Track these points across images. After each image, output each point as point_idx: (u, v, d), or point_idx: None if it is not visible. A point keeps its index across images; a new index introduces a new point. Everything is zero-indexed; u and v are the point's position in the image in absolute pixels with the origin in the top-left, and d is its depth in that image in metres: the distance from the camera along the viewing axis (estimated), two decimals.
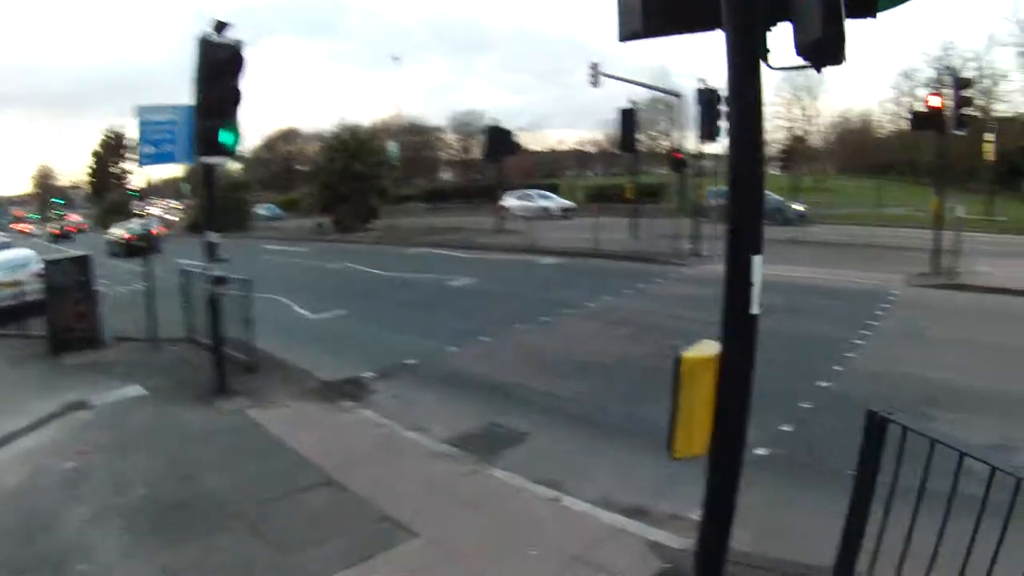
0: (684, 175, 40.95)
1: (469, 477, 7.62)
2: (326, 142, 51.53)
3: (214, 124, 9.76)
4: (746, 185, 4.14)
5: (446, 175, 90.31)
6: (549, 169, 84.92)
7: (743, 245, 4.28)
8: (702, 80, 25.77)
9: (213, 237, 10.45)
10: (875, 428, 4.18)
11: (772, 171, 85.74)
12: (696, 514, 6.84)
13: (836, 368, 11.50)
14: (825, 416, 9.50)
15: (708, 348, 4.48)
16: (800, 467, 8.07)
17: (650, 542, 6.40)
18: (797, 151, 73.19)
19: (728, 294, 4.37)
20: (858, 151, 79.11)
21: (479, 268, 23.89)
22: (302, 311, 17.05)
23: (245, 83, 9.78)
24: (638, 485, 7.54)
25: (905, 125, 77.11)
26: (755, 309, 4.32)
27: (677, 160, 37.32)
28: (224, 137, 9.85)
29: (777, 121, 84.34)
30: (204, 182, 11.34)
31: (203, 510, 6.99)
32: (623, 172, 73.44)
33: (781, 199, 39.44)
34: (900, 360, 12.19)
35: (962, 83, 21.89)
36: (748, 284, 4.27)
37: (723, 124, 25.43)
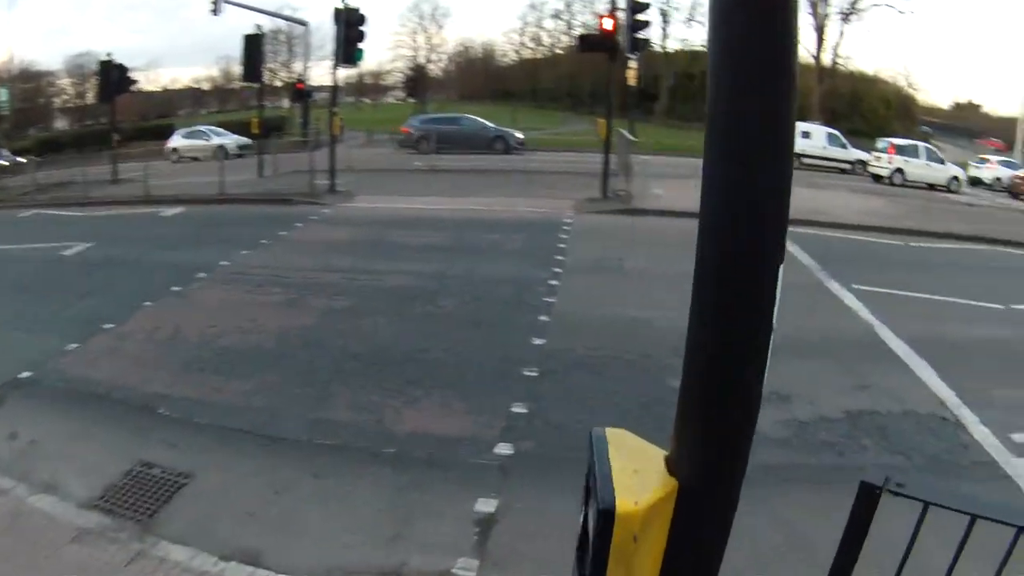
0: (308, 106, 38.62)
1: (136, 566, 5.17)
2: None
3: None
4: (763, 131, 1.73)
5: (61, 124, 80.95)
6: (164, 109, 79.09)
7: (754, 248, 1.81)
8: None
9: None
10: (868, 500, 2.33)
11: (393, 100, 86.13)
12: (465, 566, 5.09)
13: (543, 319, 10.32)
14: (558, 384, 8.20)
15: (642, 466, 2.13)
16: (559, 465, 6.45)
17: None
18: (421, 78, 72.98)
19: (699, 349, 1.97)
20: (480, 78, 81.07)
21: (96, 228, 20.15)
22: None
23: None
24: (365, 531, 5.54)
25: (529, 53, 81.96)
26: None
27: (300, 91, 35.14)
28: None
29: (401, 50, 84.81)
30: None
31: None
32: (239, 108, 70.08)
33: (495, 126, 38.76)
34: (607, 301, 11.35)
35: (637, 7, 21.57)
36: (763, 328, 1.84)
37: (362, 46, 23.67)
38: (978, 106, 79.01)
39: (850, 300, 11.74)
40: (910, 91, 69.43)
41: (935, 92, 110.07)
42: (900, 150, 36.47)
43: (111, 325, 10.69)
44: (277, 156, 29.36)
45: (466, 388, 8.04)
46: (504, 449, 6.58)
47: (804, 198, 23.16)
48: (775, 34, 1.69)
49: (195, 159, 37.84)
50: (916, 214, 22.48)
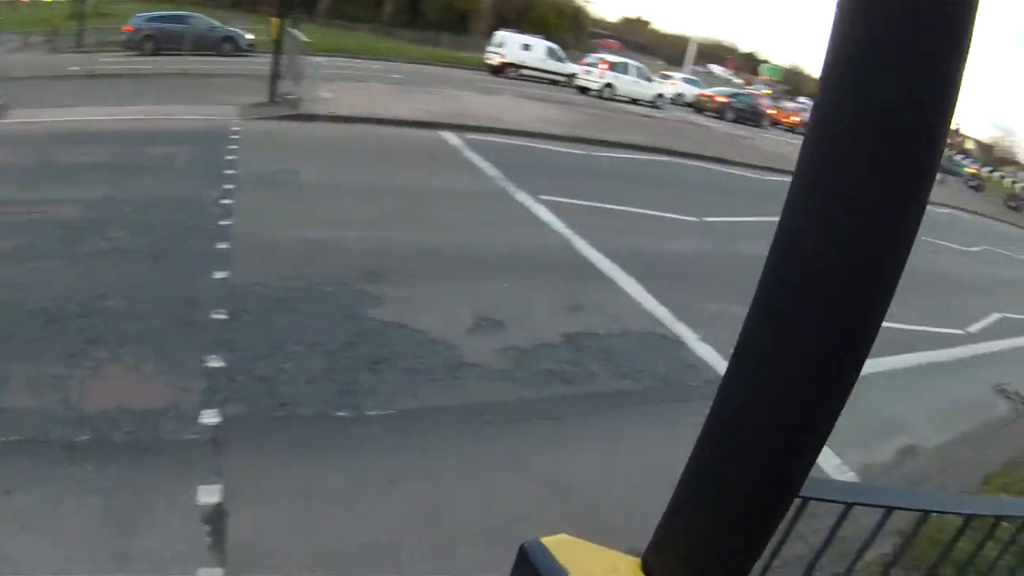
0: None
1: None
2: None
3: None
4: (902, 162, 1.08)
5: None
6: None
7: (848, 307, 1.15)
8: None
9: None
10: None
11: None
12: None
13: (222, 246, 9.06)
14: (252, 327, 7.16)
15: None
16: (275, 427, 5.71)
17: None
18: None
19: (732, 420, 1.28)
20: None
21: None
22: None
23: None
24: (84, 557, 4.23)
25: None
26: None
27: None
28: None
29: None
30: None
31: None
32: None
33: (224, 26, 34.99)
34: (289, 221, 10.31)
35: None
36: (835, 403, 1.20)
37: None
38: (647, 22, 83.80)
39: (542, 212, 11.60)
40: (581, 3, 71.97)
41: (605, 5, 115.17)
42: (612, 66, 40.04)
43: None
44: None
45: (154, 342, 6.75)
46: (211, 417, 5.61)
47: (483, 104, 22.99)
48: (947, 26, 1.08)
49: None
50: (598, 123, 22.99)
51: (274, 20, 20.37)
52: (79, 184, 11.74)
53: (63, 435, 5.33)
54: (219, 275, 8.17)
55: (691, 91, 47.16)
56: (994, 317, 12.49)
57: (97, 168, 12.76)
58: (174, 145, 14.39)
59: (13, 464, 4.99)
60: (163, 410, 5.69)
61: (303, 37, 21.36)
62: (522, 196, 12.42)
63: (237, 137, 15.02)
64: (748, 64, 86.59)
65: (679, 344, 7.67)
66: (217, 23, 35.40)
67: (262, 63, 23.37)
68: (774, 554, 2.06)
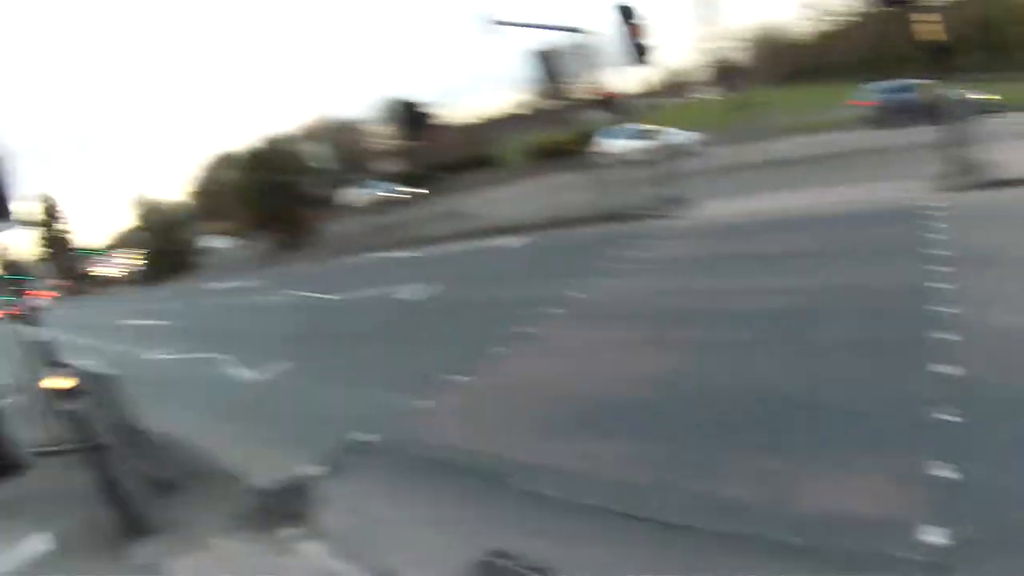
0: (620, 115, 37.11)
1: None
2: (241, 161, 48.24)
3: None
4: None
5: (384, 166, 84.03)
6: (485, 138, 79.61)
7: None
8: None
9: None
10: None
11: (706, 95, 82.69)
12: None
13: (938, 335, 7.86)
14: (987, 433, 5.93)
15: None
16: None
17: None
18: (729, 70, 68.86)
19: None
20: (776, 60, 74.85)
21: (434, 269, 20.35)
22: (239, 370, 13.87)
23: None
24: None
25: (826, 26, 75.15)
26: None
27: (608, 99, 34.04)
28: None
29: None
30: None
31: None
32: (554, 127, 69.07)
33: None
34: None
35: None
36: None
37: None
38: None
39: None
40: None
41: None
42: None
43: (463, 377, 10.14)
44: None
45: (871, 442, 6.20)
46: (935, 536, 4.77)
47: None
48: None
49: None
50: None
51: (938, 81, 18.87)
52: (776, 272, 12.11)
53: (770, 531, 5.20)
54: (939, 369, 7.10)
55: None
56: None
57: (793, 255, 12.90)
58: (861, 227, 13.93)
59: (728, 554, 5.08)
60: (880, 521, 5.12)
61: (980, 96, 19.27)
62: None
63: (939, 214, 13.51)
64: None
65: None
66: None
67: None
68: None
